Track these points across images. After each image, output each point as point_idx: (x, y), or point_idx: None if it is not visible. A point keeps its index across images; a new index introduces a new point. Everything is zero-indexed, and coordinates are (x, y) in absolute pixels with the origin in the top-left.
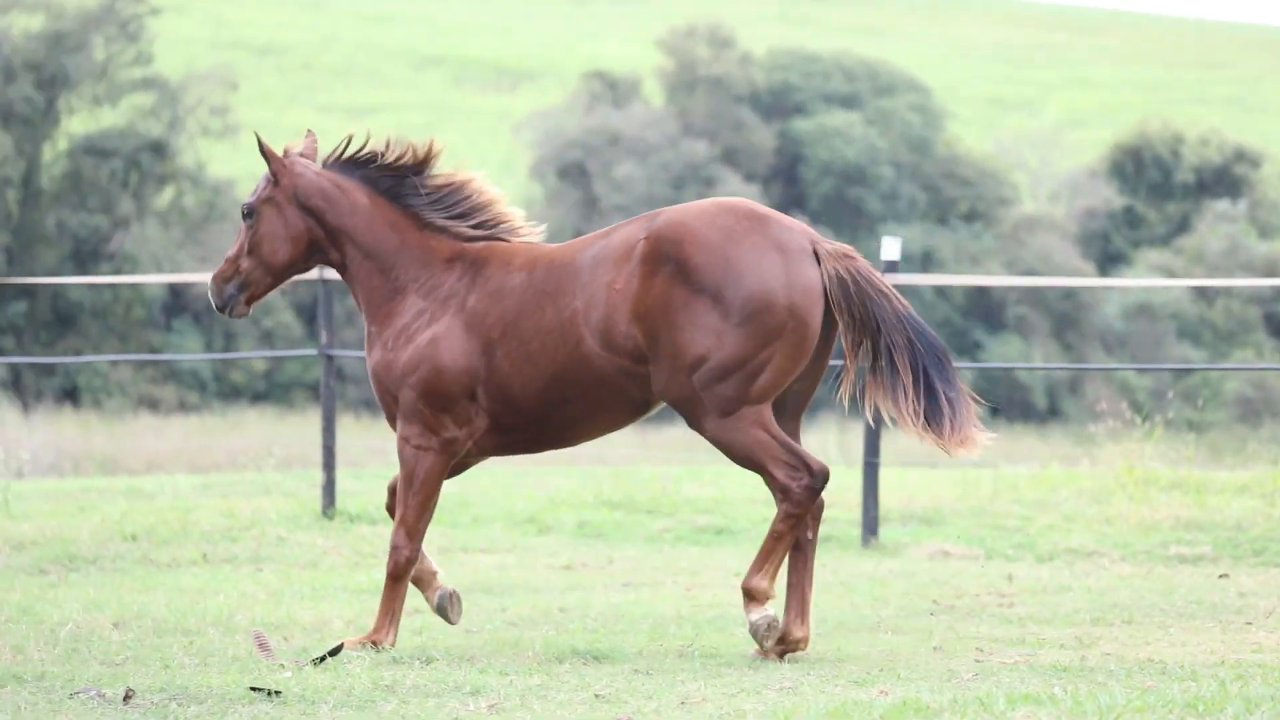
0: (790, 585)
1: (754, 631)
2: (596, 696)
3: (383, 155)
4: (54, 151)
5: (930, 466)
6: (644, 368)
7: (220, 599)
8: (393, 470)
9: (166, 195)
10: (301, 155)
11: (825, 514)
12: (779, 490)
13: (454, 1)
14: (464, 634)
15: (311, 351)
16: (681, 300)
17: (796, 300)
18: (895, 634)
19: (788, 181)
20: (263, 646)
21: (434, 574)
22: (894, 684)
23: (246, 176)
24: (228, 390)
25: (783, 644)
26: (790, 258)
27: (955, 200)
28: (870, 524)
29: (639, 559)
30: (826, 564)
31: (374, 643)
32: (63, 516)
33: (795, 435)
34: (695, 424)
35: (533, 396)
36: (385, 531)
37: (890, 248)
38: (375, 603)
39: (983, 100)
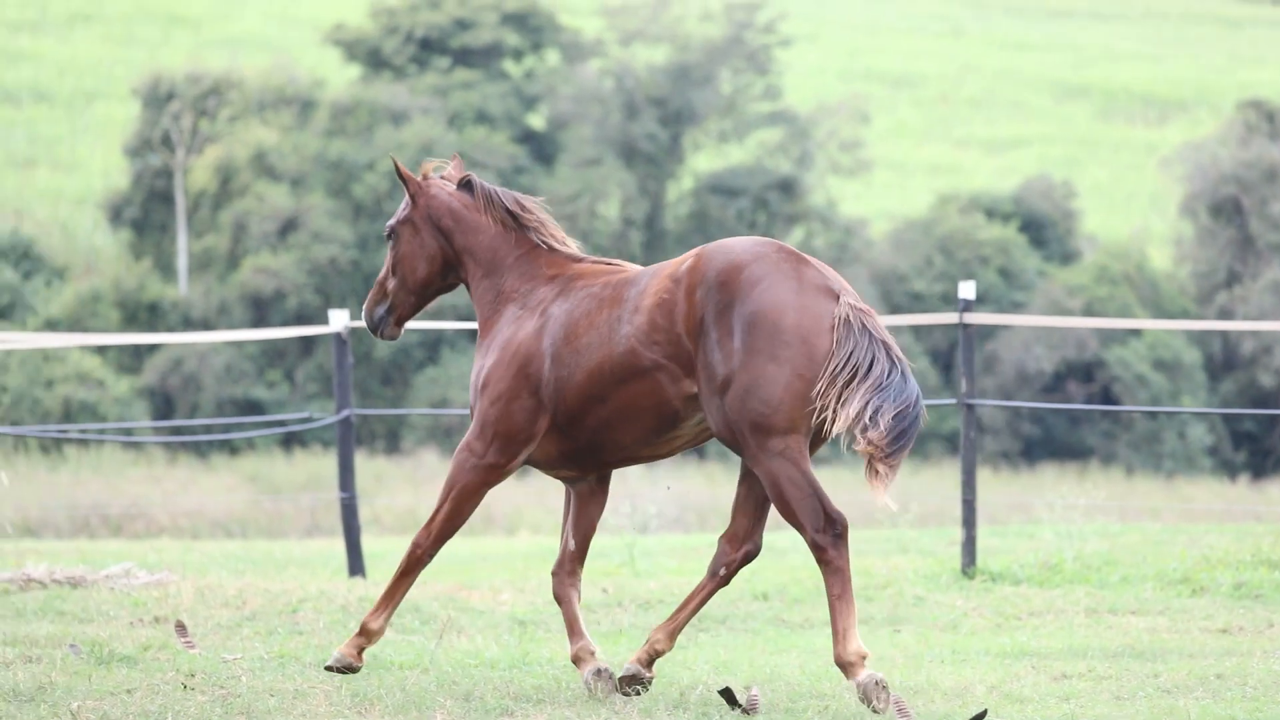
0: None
1: (864, 694)
2: None
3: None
4: (678, 190)
5: None
6: (675, 365)
7: None
8: (1036, 527)
9: (796, 236)
10: (442, 178)
11: None
12: (809, 545)
13: (1100, 28)
14: (1114, 701)
15: (949, 400)
16: (713, 316)
17: (805, 321)
18: None
19: None
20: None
21: (592, 653)
22: None
23: (879, 215)
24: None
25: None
26: (806, 288)
27: None
28: None
29: None
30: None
31: (365, 627)
32: (690, 574)
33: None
34: (740, 455)
35: (576, 390)
36: (1030, 593)
37: None
38: (1019, 667)
39: None
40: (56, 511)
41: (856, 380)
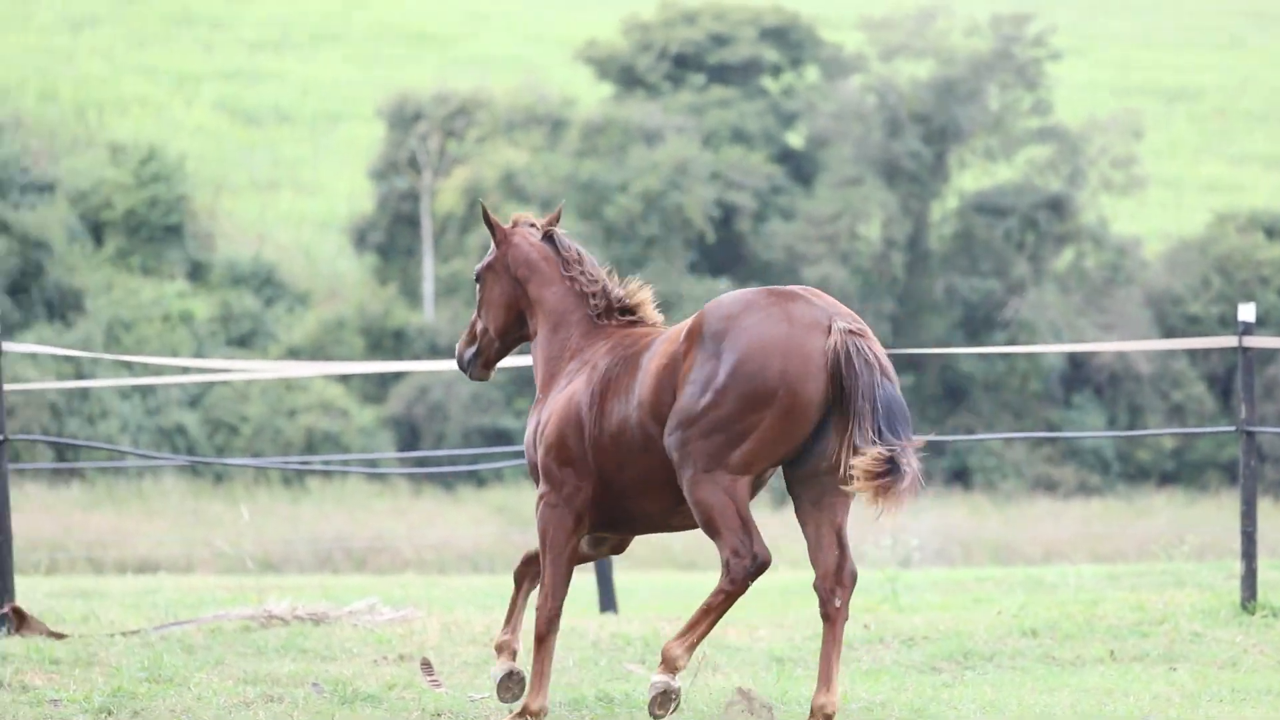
0: (822, 655)
1: (651, 699)
2: None
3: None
4: (943, 210)
5: None
6: None
7: (1130, 700)
8: None
9: (1066, 257)
10: (531, 226)
11: None
12: (723, 563)
13: None
14: None
15: (1229, 428)
16: (698, 361)
17: (791, 367)
18: None
19: None
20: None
21: (514, 652)
22: None
23: (1153, 235)
24: (1133, 471)
25: (812, 715)
26: (796, 327)
27: None
28: None
29: None
30: None
31: (527, 709)
32: (955, 609)
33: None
34: (679, 478)
35: (602, 453)
36: None
37: None
38: None
39: None
40: (299, 546)
41: (863, 418)
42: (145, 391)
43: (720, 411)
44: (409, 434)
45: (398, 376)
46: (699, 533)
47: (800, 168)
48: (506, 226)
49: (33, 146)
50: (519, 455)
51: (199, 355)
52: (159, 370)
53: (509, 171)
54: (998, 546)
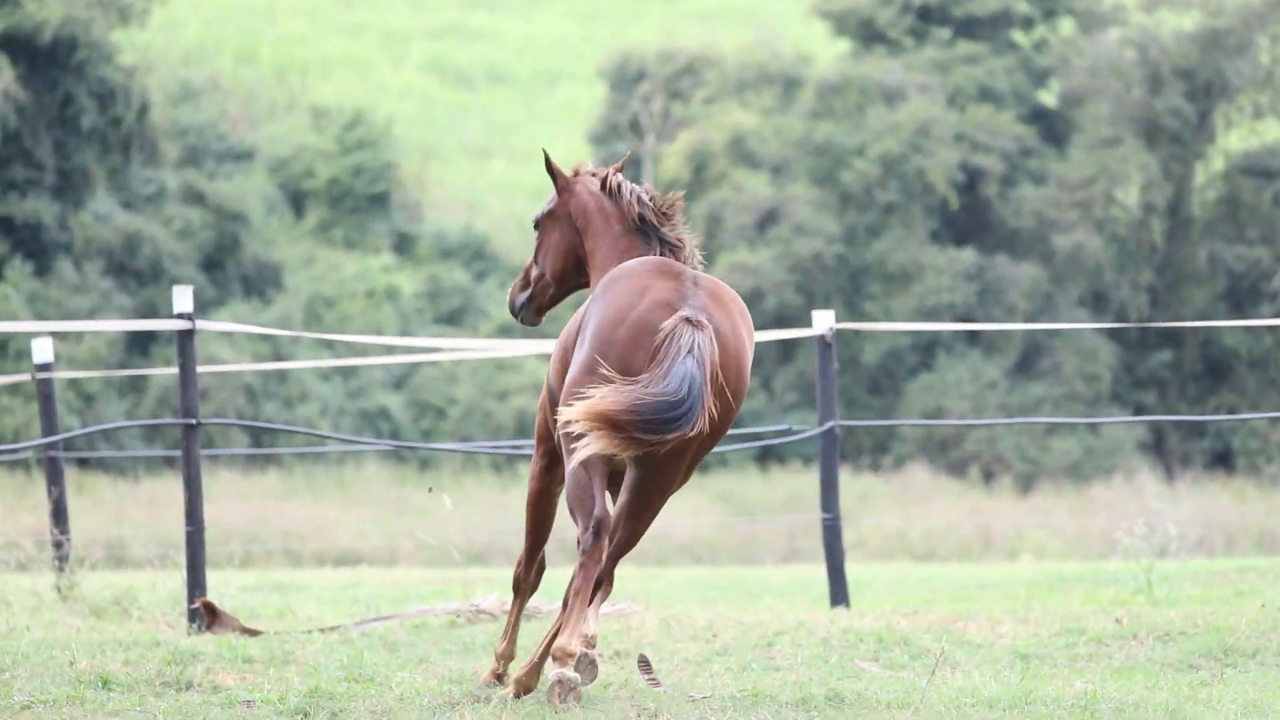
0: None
1: (550, 689)
2: None
3: (648, 194)
4: (1207, 173)
5: None
6: None
7: None
8: None
9: None
10: (593, 174)
11: None
12: (578, 540)
13: None
14: None
15: None
16: (584, 322)
17: (629, 336)
18: None
19: None
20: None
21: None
22: None
23: None
24: None
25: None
26: (645, 300)
27: None
28: None
29: None
30: None
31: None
32: (1215, 602)
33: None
34: None
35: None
36: None
37: None
38: None
39: None
40: (508, 536)
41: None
42: (347, 373)
43: (570, 374)
44: None
45: None
46: (937, 522)
47: (1052, 128)
48: (569, 175)
49: (230, 112)
50: (745, 439)
51: (405, 333)
52: (362, 350)
53: (738, 135)
54: (1263, 535)
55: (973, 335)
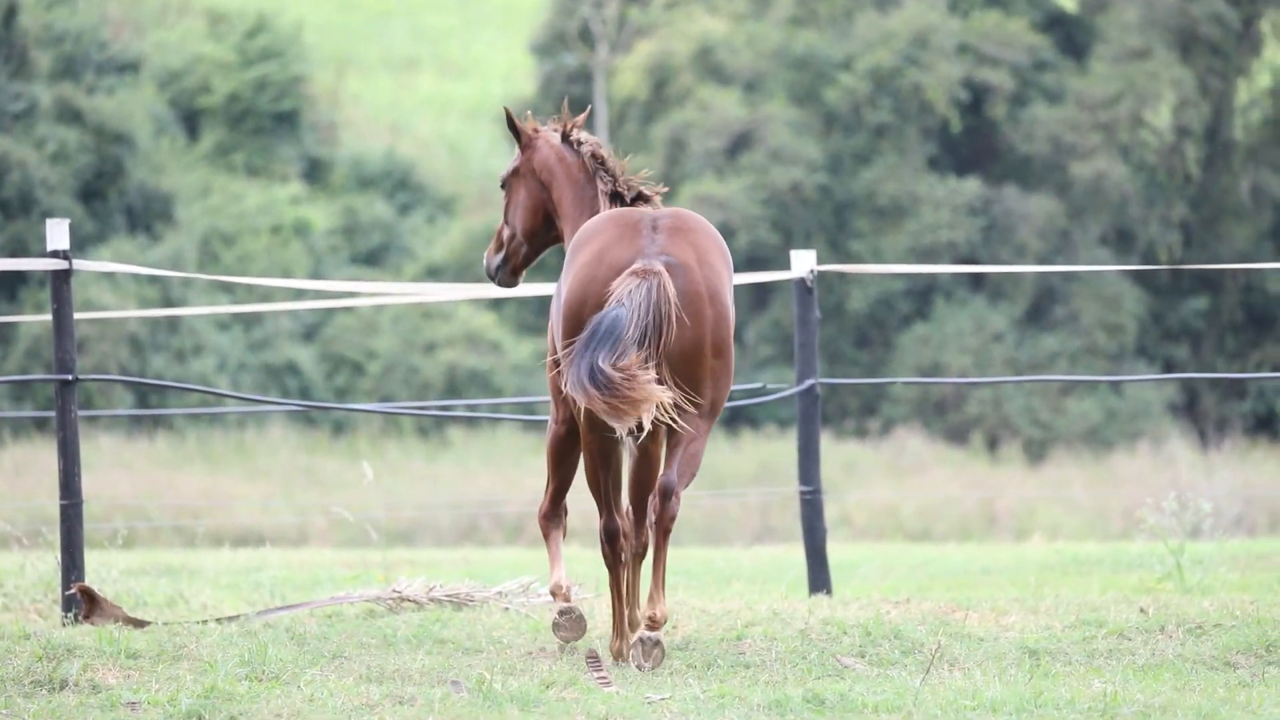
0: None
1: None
2: None
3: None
4: (1250, 91)
5: None
6: None
7: None
8: None
9: None
10: (554, 129)
11: None
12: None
13: None
14: None
15: None
16: (559, 287)
17: (590, 304)
18: None
19: None
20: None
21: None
22: None
23: None
24: None
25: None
26: (601, 268)
27: None
28: None
29: None
30: None
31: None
32: (1256, 589)
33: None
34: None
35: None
36: None
37: None
38: None
39: None
40: (437, 512)
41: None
42: (249, 321)
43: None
44: None
45: None
46: (934, 496)
47: (1071, 38)
48: (529, 130)
49: (112, 16)
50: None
51: (316, 276)
52: (266, 294)
53: (705, 45)
54: None
55: (976, 279)
